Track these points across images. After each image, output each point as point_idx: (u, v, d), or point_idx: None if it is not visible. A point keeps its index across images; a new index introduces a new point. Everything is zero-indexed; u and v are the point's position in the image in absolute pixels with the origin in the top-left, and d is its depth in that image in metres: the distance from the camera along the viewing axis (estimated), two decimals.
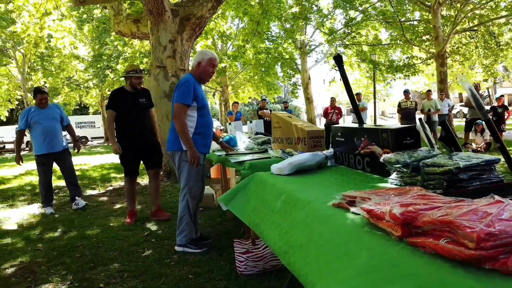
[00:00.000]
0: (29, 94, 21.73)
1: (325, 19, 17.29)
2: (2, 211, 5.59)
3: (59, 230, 4.30)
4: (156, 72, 6.84)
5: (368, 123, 13.08)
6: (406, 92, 11.03)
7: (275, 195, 1.93)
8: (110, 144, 4.59)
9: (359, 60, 18.30)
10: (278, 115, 3.41)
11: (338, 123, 11.18)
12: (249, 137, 4.08)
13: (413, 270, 0.93)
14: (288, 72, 20.13)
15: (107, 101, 4.73)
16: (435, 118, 10.84)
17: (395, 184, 1.74)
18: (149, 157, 4.47)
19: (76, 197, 5.37)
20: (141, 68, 4.47)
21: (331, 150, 2.57)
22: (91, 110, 29.15)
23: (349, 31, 16.57)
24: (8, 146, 22.49)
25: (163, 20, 6.70)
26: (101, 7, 14.00)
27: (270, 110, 10.55)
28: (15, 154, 5.32)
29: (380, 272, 1.00)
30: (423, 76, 23.75)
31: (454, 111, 19.48)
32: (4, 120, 24.92)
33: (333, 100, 11.95)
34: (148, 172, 4.58)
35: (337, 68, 2.54)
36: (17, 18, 13.96)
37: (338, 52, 18.13)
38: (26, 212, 5.26)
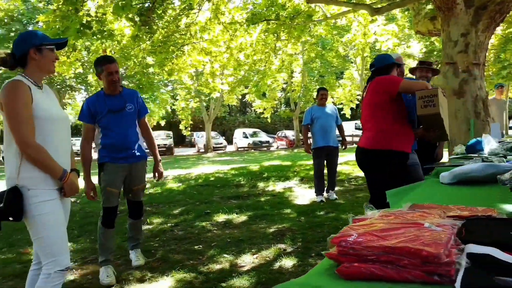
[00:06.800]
0: None
1: None
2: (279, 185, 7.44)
3: (324, 210, 5.19)
4: (445, 69, 6.60)
5: None
6: None
7: (410, 199, 1.94)
8: None
9: None
10: None
11: None
12: (500, 141, 3.57)
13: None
14: None
15: None
16: None
17: None
18: None
19: (330, 190, 5.99)
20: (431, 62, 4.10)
21: None
22: None
23: None
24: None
25: (453, 14, 6.38)
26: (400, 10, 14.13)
27: None
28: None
29: None
30: None
31: None
32: (349, 117, 28.68)
33: None
34: None
35: None
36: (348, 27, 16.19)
37: None
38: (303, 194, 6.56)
